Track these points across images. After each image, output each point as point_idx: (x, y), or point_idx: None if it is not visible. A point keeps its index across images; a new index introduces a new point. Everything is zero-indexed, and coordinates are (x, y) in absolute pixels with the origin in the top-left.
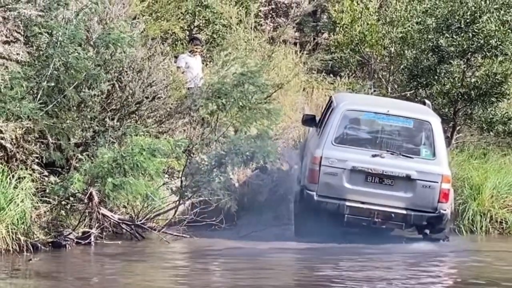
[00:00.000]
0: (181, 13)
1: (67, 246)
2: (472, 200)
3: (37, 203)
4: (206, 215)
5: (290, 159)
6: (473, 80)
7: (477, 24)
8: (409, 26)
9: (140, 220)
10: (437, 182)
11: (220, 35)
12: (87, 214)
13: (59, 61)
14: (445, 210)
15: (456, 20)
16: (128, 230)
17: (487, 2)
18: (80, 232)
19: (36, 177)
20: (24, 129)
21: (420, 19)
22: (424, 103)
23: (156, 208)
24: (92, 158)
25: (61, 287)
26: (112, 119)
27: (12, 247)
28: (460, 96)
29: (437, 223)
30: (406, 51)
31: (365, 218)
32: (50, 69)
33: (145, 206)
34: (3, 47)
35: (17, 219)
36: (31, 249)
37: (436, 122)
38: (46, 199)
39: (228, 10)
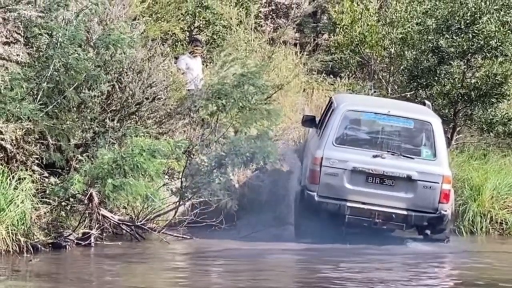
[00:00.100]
0: (181, 14)
1: (67, 247)
2: (472, 201)
3: (37, 204)
4: (206, 216)
5: (290, 160)
6: (473, 81)
7: (477, 25)
8: (409, 27)
9: (140, 221)
10: (438, 183)
11: (220, 36)
12: (87, 215)
13: (59, 62)
14: (445, 210)
15: (456, 21)
16: (128, 231)
17: (487, 3)
18: (80, 233)
19: (36, 178)
20: (24, 130)
21: (420, 20)
22: (424, 104)
23: (156, 209)
24: (92, 159)
25: None
26: (112, 120)
27: (12, 248)
28: (460, 97)
29: (438, 224)
30: (406, 52)
31: (366, 219)
32: (50, 70)
33: (145, 207)
34: (3, 48)
35: (17, 220)
36: (31, 250)
37: (436, 123)
38: (46, 200)
39: (228, 11)
